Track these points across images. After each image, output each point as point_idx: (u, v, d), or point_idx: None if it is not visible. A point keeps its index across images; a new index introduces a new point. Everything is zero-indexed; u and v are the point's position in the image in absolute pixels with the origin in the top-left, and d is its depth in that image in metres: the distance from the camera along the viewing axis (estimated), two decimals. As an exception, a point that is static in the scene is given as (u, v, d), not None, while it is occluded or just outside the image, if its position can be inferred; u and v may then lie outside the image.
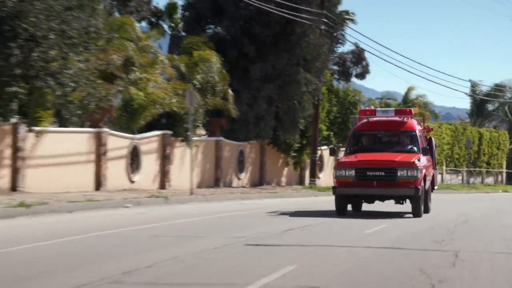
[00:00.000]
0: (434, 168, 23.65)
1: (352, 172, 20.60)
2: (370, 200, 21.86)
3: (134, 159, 30.91)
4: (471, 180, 64.57)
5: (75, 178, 27.19)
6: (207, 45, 35.81)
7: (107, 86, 26.51)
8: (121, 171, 30.07)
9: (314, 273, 10.20)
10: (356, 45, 51.80)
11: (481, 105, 77.06)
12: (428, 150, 21.97)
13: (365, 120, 22.77)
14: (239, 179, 39.23)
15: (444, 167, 61.00)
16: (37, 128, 24.50)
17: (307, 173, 43.72)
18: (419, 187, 20.40)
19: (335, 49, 45.98)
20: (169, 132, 33.13)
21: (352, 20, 52.14)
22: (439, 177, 60.30)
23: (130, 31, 30.05)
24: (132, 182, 30.64)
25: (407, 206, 21.75)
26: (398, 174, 20.36)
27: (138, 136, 31.28)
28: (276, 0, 36.01)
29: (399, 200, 21.50)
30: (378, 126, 22.57)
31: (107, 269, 10.14)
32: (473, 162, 65.51)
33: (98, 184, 28.33)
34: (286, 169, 43.33)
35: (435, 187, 24.29)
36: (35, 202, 20.29)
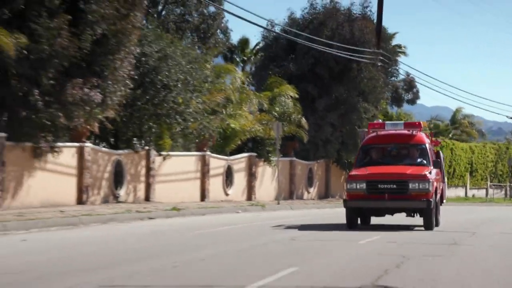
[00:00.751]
0: (443, 182, 23.60)
1: (363, 185, 20.49)
2: (381, 214, 21.88)
3: (228, 176, 38.76)
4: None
5: (186, 191, 35.11)
6: (284, 82, 43.51)
7: (213, 119, 34.41)
8: (219, 186, 37.98)
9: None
10: (407, 74, 59.43)
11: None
12: (439, 163, 22.10)
13: (374, 134, 22.72)
14: (308, 192, 46.87)
15: (488, 183, 67.76)
16: (163, 153, 32.49)
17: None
18: (431, 199, 20.34)
19: (389, 80, 53.30)
20: (254, 154, 40.90)
21: (403, 53, 59.66)
22: (483, 191, 67.18)
23: (231, 75, 38.00)
24: (227, 195, 38.52)
25: (416, 219, 22.28)
26: (410, 186, 20.34)
27: (231, 157, 39.14)
28: (338, 45, 43.62)
29: (410, 213, 21.71)
30: (388, 139, 22.46)
31: (272, 238, 17.79)
32: (515, 178, 72.17)
33: (203, 196, 36.24)
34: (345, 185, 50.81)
35: (444, 201, 24.26)
36: (172, 208, 28.08)
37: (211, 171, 36.97)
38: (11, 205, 24.57)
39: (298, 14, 48.98)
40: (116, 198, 30.20)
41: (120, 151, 30.64)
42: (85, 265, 12.20)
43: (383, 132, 22.62)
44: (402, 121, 23.87)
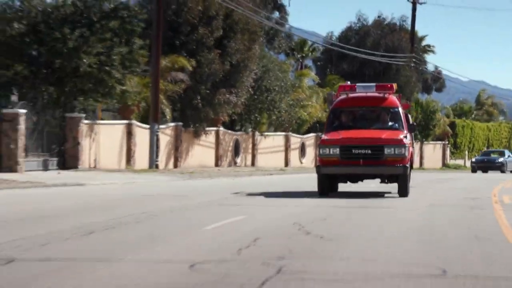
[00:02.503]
0: (412, 146, 22.08)
1: (337, 150, 19.61)
2: (355, 180, 21.10)
3: (302, 149, 54.75)
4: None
5: (275, 160, 51.16)
6: (340, 80, 59.35)
7: (296, 111, 50.44)
8: (296, 157, 53.99)
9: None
10: (436, 67, 75.01)
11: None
12: (414, 127, 21.27)
13: (344, 96, 21.66)
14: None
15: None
16: (264, 133, 48.61)
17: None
18: (407, 165, 19.63)
19: (420, 75, 68.72)
20: (319, 133, 56.71)
21: (432, 51, 75.26)
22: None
23: (307, 77, 54.00)
24: (301, 163, 54.53)
25: (387, 186, 21.84)
26: (386, 152, 19.49)
27: (304, 136, 55.12)
28: (379, 53, 59.30)
29: (385, 179, 20.76)
30: (359, 102, 21.41)
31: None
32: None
33: (287, 164, 52.32)
34: (387, 156, 66.62)
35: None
36: (271, 170, 43.89)
37: (291, 146, 52.99)
38: (183, 165, 40.85)
39: (344, 25, 64.69)
40: (235, 163, 46.40)
41: (238, 133, 46.80)
42: (222, 188, 28.00)
43: (354, 95, 21.54)
44: (374, 84, 22.35)
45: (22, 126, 29.16)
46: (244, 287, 7.25)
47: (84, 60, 31.34)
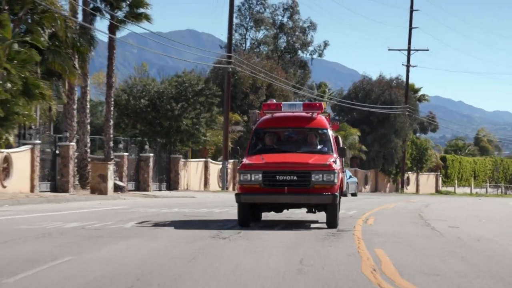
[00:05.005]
0: (343, 171, 20.11)
1: (259, 176, 17.74)
2: (279, 209, 19.38)
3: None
4: (508, 192, 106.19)
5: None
6: (349, 127, 79.60)
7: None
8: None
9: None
10: (430, 112, 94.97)
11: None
12: (344, 151, 19.58)
13: (268, 116, 19.88)
14: (365, 188, 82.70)
15: (487, 184, 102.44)
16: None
17: (399, 185, 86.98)
18: (336, 193, 17.76)
19: (414, 119, 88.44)
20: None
21: (426, 100, 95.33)
22: (484, 190, 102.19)
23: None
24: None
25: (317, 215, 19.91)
26: (313, 178, 17.60)
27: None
28: (380, 106, 79.47)
29: (312, 208, 18.88)
30: (284, 122, 19.67)
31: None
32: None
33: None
34: (389, 184, 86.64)
35: (344, 194, 21.15)
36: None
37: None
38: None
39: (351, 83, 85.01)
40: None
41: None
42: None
43: (279, 114, 19.85)
44: (301, 102, 21.36)
45: (151, 163, 49.51)
46: None
47: (184, 122, 51.70)
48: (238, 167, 19.06)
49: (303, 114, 19.69)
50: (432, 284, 9.37)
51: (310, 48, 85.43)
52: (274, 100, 22.18)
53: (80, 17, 42.87)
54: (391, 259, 11.82)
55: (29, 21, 36.50)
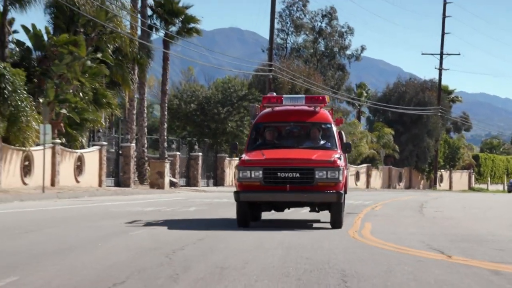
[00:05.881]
0: (347, 168, 19.64)
1: (260, 173, 17.12)
2: (281, 208, 18.76)
3: (357, 176, 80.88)
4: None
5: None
6: (385, 126, 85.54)
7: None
8: (353, 181, 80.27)
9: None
10: (463, 113, 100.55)
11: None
12: (350, 147, 18.65)
13: (269, 110, 19.18)
14: (399, 185, 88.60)
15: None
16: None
17: (432, 182, 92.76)
18: (341, 191, 17.27)
19: (448, 121, 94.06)
20: (369, 164, 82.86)
21: (460, 101, 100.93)
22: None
23: (356, 125, 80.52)
24: (356, 185, 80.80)
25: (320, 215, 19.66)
26: (317, 175, 17.04)
27: (359, 166, 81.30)
28: (413, 108, 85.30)
29: (315, 207, 18.34)
30: (286, 116, 19.00)
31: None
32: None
33: (346, 185, 78.77)
34: (422, 181, 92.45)
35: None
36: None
37: (349, 174, 79.19)
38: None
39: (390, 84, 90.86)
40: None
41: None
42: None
43: (280, 108, 19.06)
44: (303, 95, 20.28)
45: (200, 162, 56.05)
46: None
47: (229, 124, 58.19)
48: (237, 164, 18.51)
49: (306, 107, 19.01)
50: (386, 237, 15.50)
51: (348, 52, 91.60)
52: (275, 93, 20.95)
53: (139, 31, 49.54)
54: (371, 227, 18.09)
55: (98, 39, 43.19)
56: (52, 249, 12.82)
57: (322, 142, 18.36)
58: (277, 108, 19.10)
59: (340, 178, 17.15)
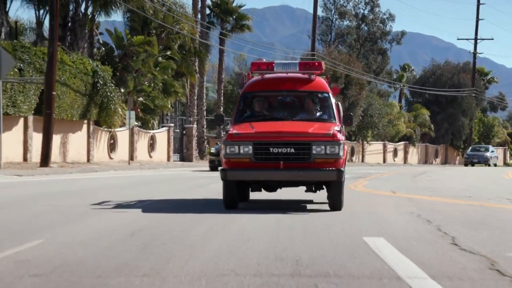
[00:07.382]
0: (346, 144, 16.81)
1: (249, 149, 15.18)
2: (273, 188, 16.53)
3: (395, 152, 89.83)
4: None
5: (376, 158, 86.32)
6: (422, 107, 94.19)
7: (390, 128, 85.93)
8: (391, 157, 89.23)
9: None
10: (500, 93, 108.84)
11: None
12: (352, 119, 17.01)
13: (258, 77, 17.05)
14: (435, 160, 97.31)
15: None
16: (369, 142, 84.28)
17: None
18: (342, 169, 15.32)
19: (482, 101, 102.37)
20: (407, 142, 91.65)
21: (496, 82, 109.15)
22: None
23: (393, 106, 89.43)
24: (394, 160, 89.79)
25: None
26: (314, 151, 15.15)
27: (396, 144, 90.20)
28: (448, 90, 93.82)
29: (312, 187, 16.14)
30: (277, 85, 16.94)
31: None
32: None
33: (384, 160, 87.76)
34: (458, 157, 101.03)
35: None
36: (373, 164, 79.21)
37: (387, 150, 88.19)
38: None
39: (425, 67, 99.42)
40: (351, 160, 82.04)
41: (353, 142, 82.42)
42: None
43: (271, 76, 16.97)
44: (297, 61, 17.36)
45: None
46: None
47: (276, 107, 67.80)
48: (223, 138, 16.21)
49: (299, 75, 16.94)
50: (369, 187, 24.74)
51: (389, 37, 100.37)
52: (265, 60, 18.21)
53: (198, 28, 59.21)
54: (367, 183, 27.45)
55: (167, 39, 52.90)
56: (174, 190, 22.31)
57: (319, 113, 16.47)
58: (267, 76, 16.91)
59: (341, 153, 15.16)
